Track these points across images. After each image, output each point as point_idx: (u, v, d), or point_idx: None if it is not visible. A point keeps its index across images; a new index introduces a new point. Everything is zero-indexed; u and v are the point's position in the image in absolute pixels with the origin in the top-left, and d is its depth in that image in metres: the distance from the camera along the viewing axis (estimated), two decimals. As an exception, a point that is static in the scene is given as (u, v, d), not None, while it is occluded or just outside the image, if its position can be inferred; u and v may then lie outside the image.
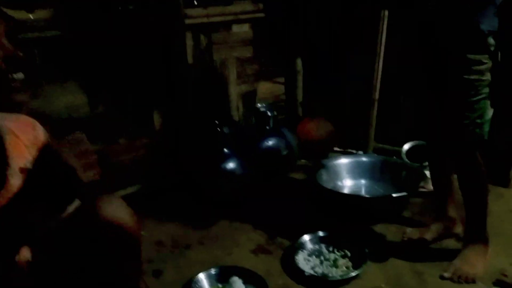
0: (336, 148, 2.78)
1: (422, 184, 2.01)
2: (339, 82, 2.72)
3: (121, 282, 1.03)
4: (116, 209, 0.94)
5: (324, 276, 1.51)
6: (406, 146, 2.33)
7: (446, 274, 1.47)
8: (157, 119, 2.27)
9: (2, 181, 0.89)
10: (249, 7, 2.60)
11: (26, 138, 0.95)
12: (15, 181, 0.90)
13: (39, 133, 1.00)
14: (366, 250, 1.59)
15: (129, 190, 2.10)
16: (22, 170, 0.93)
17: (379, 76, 2.42)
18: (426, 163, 2.20)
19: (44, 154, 1.00)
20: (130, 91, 2.18)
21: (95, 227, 0.93)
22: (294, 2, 2.68)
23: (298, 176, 2.41)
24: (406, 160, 2.26)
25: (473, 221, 1.50)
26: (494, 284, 1.41)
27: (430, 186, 2.02)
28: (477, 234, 1.50)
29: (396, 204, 1.90)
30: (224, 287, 1.44)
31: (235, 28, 2.58)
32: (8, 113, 0.94)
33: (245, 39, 2.62)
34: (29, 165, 0.95)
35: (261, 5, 2.64)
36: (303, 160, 2.59)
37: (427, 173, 2.07)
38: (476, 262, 1.46)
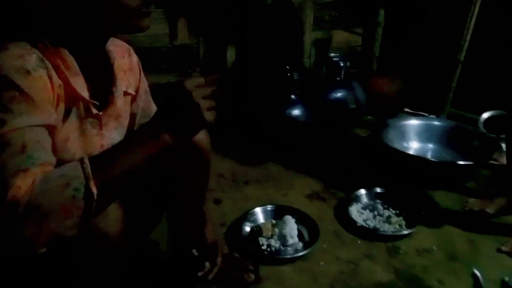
0: (406, 109, 2.67)
1: (495, 156, 1.90)
2: (420, 39, 2.54)
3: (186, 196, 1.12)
4: None
5: (375, 229, 1.53)
6: (485, 115, 2.18)
7: (504, 248, 1.43)
8: (230, 57, 2.30)
9: (108, 101, 0.95)
10: None
11: (123, 63, 1.03)
12: (120, 102, 0.97)
13: (134, 60, 1.07)
14: (422, 212, 1.58)
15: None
16: (125, 93, 1.00)
17: (469, 36, 2.23)
18: (504, 135, 2.07)
19: (138, 82, 1.08)
20: (207, 26, 2.21)
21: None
22: None
23: (362, 132, 2.37)
24: (483, 129, 2.13)
25: None
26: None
27: (503, 160, 1.91)
28: None
29: (461, 173, 1.83)
30: (277, 223, 1.52)
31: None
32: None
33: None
34: (131, 90, 1.03)
35: None
36: (369, 117, 2.53)
37: (503, 145, 1.95)
38: None
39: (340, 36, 2.76)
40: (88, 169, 0.69)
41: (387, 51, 2.68)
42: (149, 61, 1.98)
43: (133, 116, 1.08)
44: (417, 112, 2.62)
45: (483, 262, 1.37)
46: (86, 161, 0.71)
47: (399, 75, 2.55)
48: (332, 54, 2.40)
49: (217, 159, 2.05)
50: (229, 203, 1.72)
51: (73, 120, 0.89)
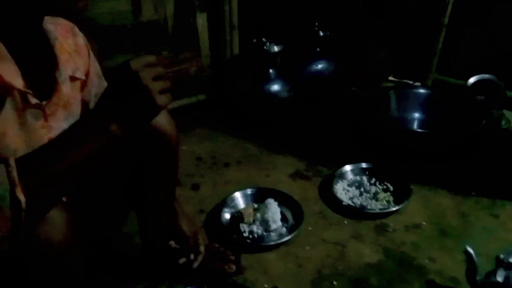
0: (391, 78, 2.58)
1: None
2: (403, 4, 2.42)
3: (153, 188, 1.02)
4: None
5: (362, 208, 1.46)
6: (471, 80, 2.09)
7: None
8: (202, 30, 2.14)
9: (52, 88, 0.84)
10: None
11: (67, 44, 0.90)
12: (66, 88, 0.86)
13: (80, 40, 0.94)
14: (411, 187, 1.51)
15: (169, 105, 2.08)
16: (71, 78, 0.88)
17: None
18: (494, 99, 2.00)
19: (87, 65, 0.95)
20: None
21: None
22: None
23: (345, 105, 2.27)
24: (470, 95, 2.05)
25: None
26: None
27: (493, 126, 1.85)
28: None
29: (450, 142, 1.76)
30: (259, 207, 1.43)
31: None
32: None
33: None
34: (79, 75, 0.90)
35: None
36: (353, 88, 2.43)
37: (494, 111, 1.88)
38: None
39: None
40: (14, 173, 0.58)
41: (368, 19, 2.55)
42: (112, 40, 1.85)
43: (85, 104, 0.95)
44: (402, 80, 2.53)
45: (476, 237, 1.32)
46: (12, 163, 0.59)
47: (381, 42, 2.44)
48: (307, 27, 2.27)
49: (195, 142, 1.95)
50: (208, 188, 1.63)
51: (8, 112, 0.76)
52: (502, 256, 1.02)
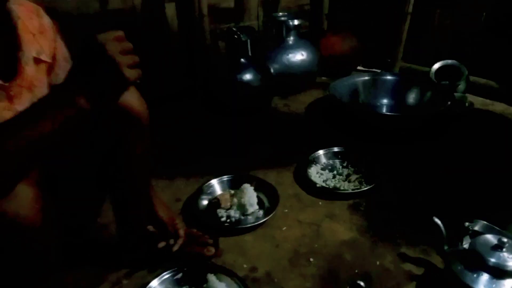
0: (360, 67, 2.65)
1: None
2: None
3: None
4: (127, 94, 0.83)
5: (335, 189, 1.50)
6: (436, 66, 2.18)
7: None
8: (172, 19, 2.13)
9: (15, 69, 0.82)
10: None
11: (31, 25, 0.87)
12: (30, 69, 0.84)
13: (45, 22, 0.92)
14: (381, 168, 1.56)
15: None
16: (35, 60, 0.86)
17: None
18: (457, 84, 2.09)
19: (53, 48, 0.93)
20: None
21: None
22: None
23: (317, 93, 2.32)
24: (434, 80, 2.13)
25: None
26: None
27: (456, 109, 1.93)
28: None
29: (413, 124, 1.82)
30: (235, 192, 1.45)
31: None
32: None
33: None
34: (44, 57, 0.89)
35: None
36: (323, 78, 2.48)
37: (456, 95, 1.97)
38: None
39: (288, -5, 2.65)
40: None
41: (337, 8, 2.61)
42: (78, 29, 1.81)
43: (52, 87, 0.94)
44: (370, 69, 2.60)
45: (444, 210, 1.38)
46: None
47: (350, 32, 2.49)
48: (280, 13, 2.30)
49: (170, 132, 1.94)
50: (184, 177, 1.62)
51: (-31, 93, 0.75)
52: (467, 224, 1.08)
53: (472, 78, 2.12)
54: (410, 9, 2.24)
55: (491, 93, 2.10)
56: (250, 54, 2.04)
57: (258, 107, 2.09)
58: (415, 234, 1.30)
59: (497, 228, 1.09)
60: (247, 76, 2.02)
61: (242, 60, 2.03)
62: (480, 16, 2.19)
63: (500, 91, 2.09)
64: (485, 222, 1.11)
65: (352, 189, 1.49)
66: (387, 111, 2.02)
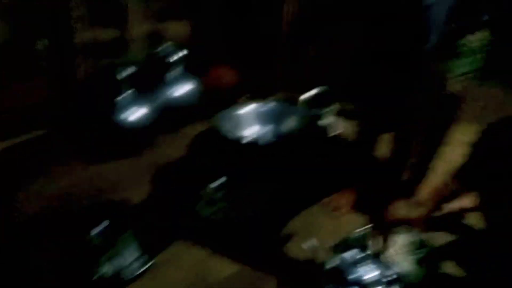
0: (244, 97, 2.76)
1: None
2: (248, 26, 2.64)
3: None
4: None
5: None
6: (308, 94, 2.38)
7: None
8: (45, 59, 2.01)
9: None
10: None
11: None
12: None
13: None
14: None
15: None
16: None
17: (289, 21, 2.38)
18: (327, 110, 2.30)
19: None
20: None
21: None
22: None
23: (202, 126, 2.35)
24: (309, 107, 2.32)
25: None
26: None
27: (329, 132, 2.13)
28: None
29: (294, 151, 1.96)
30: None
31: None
32: None
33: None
34: None
35: None
36: (208, 110, 2.52)
37: (327, 120, 2.17)
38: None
39: (173, 27, 2.66)
40: None
41: (220, 41, 2.71)
42: None
43: None
44: (255, 99, 2.73)
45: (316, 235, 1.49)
46: None
47: (233, 64, 2.60)
48: (163, 47, 2.32)
49: (45, 181, 1.79)
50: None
51: None
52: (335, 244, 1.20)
53: (342, 104, 2.36)
54: (285, 40, 2.43)
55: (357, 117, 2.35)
56: (131, 90, 2.01)
57: (140, 146, 2.06)
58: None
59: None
60: (127, 114, 1.98)
61: (123, 96, 1.99)
62: (349, 48, 2.45)
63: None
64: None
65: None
66: (268, 141, 2.13)
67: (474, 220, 1.51)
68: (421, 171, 1.66)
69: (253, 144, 1.98)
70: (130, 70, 2.03)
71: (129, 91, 2.01)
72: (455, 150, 2.07)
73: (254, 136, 2.14)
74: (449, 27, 1.32)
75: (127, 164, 1.94)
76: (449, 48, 1.37)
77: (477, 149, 1.27)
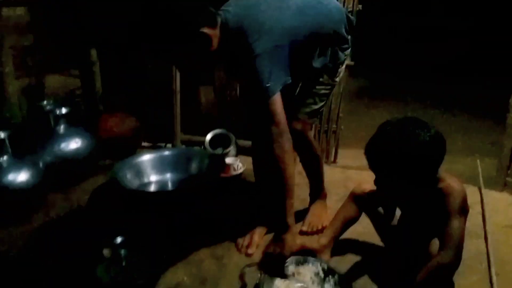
0: (144, 143, 2.69)
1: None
2: (140, 74, 2.61)
3: None
4: None
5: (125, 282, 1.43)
6: (209, 136, 2.41)
7: (303, 228, 1.69)
8: None
9: None
10: (23, -14, 2.22)
11: None
12: None
13: None
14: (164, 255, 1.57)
15: None
16: None
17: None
18: (227, 150, 2.35)
19: None
20: None
21: None
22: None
23: (101, 178, 2.21)
24: (209, 149, 2.35)
25: (316, 184, 1.81)
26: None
27: (231, 172, 2.16)
28: (318, 193, 1.81)
29: (198, 194, 1.94)
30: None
31: (6, 11, 2.16)
32: None
33: (21, 25, 2.23)
34: None
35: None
36: (107, 160, 2.40)
37: (228, 160, 2.20)
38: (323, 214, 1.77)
39: (54, 81, 2.52)
40: None
41: (111, 90, 2.63)
42: None
43: None
44: (155, 144, 2.68)
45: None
46: None
47: (127, 112, 2.53)
48: (45, 102, 2.16)
49: None
50: None
51: None
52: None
53: (240, 142, 2.44)
54: (177, 87, 2.45)
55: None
56: (10, 151, 1.81)
57: (29, 211, 1.85)
58: None
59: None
60: (10, 178, 1.79)
61: (2, 159, 1.79)
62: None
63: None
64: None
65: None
66: (173, 186, 2.09)
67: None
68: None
69: (158, 193, 1.92)
70: (8, 129, 1.84)
71: (9, 152, 1.81)
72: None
73: (158, 183, 2.08)
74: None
75: (17, 231, 1.72)
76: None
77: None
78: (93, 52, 2.53)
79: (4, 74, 2.16)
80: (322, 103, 1.66)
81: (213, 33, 1.38)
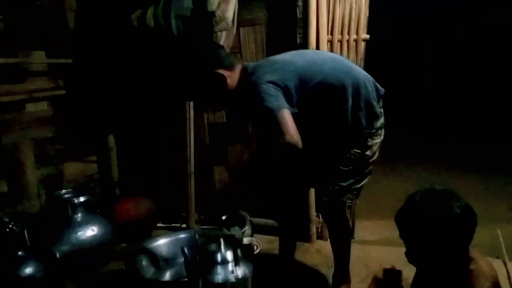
0: (159, 224, 2.69)
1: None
2: (155, 158, 2.69)
3: None
4: None
5: None
6: (224, 217, 2.40)
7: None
8: None
9: None
10: (46, 84, 2.38)
11: None
12: None
13: None
14: None
15: None
16: None
17: (192, 150, 2.48)
18: (243, 230, 2.33)
19: None
20: None
21: None
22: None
23: (118, 264, 2.18)
24: (225, 229, 2.32)
25: (341, 266, 1.80)
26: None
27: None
28: (343, 277, 1.80)
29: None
30: None
31: (30, 107, 2.30)
32: None
33: (43, 118, 2.36)
34: None
35: (61, 82, 2.46)
36: (123, 244, 2.39)
37: (245, 240, 2.18)
38: None
39: (73, 168, 2.59)
40: None
41: (126, 174, 2.69)
42: None
43: None
44: (170, 225, 2.68)
45: None
46: None
47: (143, 195, 2.57)
48: (64, 191, 2.21)
49: None
50: None
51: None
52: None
53: (254, 220, 2.43)
54: (192, 169, 2.50)
55: (272, 231, 2.41)
56: (28, 244, 1.82)
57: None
58: None
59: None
60: (28, 271, 1.77)
61: (19, 253, 1.79)
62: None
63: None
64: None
65: None
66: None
67: None
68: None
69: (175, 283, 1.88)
70: (25, 222, 1.87)
71: (27, 245, 1.82)
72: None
73: (174, 270, 2.04)
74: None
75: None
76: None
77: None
78: (111, 139, 2.64)
79: (25, 165, 2.24)
80: (352, 180, 1.65)
81: (229, 74, 1.60)
